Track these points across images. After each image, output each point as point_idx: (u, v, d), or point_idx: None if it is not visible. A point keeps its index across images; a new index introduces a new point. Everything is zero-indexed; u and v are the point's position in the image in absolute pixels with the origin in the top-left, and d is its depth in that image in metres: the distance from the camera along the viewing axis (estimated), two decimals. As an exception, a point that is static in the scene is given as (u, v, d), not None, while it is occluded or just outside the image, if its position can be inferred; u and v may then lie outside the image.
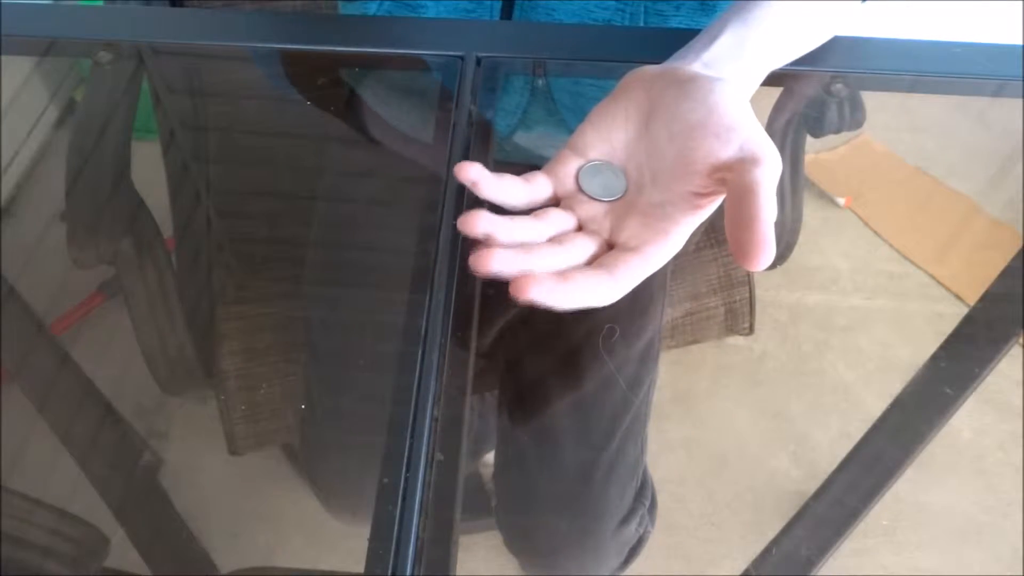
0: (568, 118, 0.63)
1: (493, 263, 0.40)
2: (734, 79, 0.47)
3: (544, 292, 0.40)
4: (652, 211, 0.44)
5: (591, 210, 0.46)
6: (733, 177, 0.41)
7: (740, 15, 0.49)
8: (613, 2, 0.61)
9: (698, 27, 0.54)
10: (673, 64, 0.48)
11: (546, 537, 0.61)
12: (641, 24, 0.61)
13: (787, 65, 0.54)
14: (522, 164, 0.65)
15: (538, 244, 0.43)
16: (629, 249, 0.43)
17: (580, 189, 0.46)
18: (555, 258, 0.43)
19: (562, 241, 0.44)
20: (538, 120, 0.63)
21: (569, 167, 0.47)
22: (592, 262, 0.43)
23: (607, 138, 0.47)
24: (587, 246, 0.44)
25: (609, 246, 0.44)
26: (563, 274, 0.41)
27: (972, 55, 0.59)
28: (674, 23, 0.61)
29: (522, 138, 0.65)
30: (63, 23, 0.63)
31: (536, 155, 0.66)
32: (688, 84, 0.45)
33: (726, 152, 0.42)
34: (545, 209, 0.46)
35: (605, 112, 0.47)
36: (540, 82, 0.62)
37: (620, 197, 0.46)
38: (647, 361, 0.61)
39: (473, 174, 0.44)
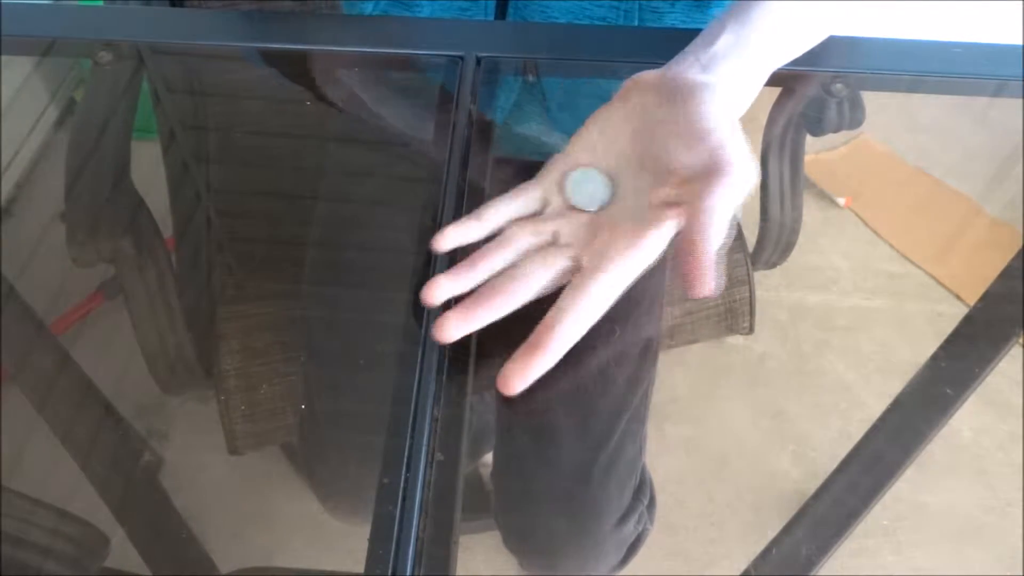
0: (558, 115, 0.63)
1: (449, 330, 0.42)
2: (732, 80, 0.47)
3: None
4: (626, 222, 0.44)
5: (573, 221, 0.46)
6: (693, 193, 0.40)
7: (739, 15, 0.49)
8: (608, 0, 0.61)
9: (693, 24, 0.54)
10: (672, 69, 0.48)
11: (544, 536, 0.61)
12: (636, 21, 0.61)
13: (787, 65, 0.54)
14: (515, 159, 0.65)
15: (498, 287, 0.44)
16: (590, 269, 0.43)
17: (565, 197, 0.46)
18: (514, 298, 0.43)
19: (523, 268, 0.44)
20: (529, 116, 0.63)
21: (558, 174, 0.47)
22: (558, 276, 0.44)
23: (601, 145, 0.47)
24: (549, 266, 0.44)
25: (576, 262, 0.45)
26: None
27: (972, 55, 0.59)
28: (669, 20, 0.61)
29: (513, 133, 0.65)
30: (63, 23, 0.63)
31: (529, 149, 0.66)
32: (676, 91, 0.45)
33: (692, 160, 0.42)
34: (511, 233, 0.46)
35: (601, 119, 0.47)
36: (531, 78, 0.62)
37: (605, 206, 0.46)
38: (646, 360, 0.61)
39: (450, 243, 0.45)
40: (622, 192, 0.46)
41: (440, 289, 0.44)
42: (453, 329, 0.43)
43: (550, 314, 0.43)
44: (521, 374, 0.41)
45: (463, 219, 0.46)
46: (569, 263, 0.44)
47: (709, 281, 0.38)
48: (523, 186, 0.47)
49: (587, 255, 0.44)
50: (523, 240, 0.45)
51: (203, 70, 0.71)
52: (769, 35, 0.49)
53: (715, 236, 0.39)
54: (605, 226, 0.44)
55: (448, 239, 0.45)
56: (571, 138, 0.48)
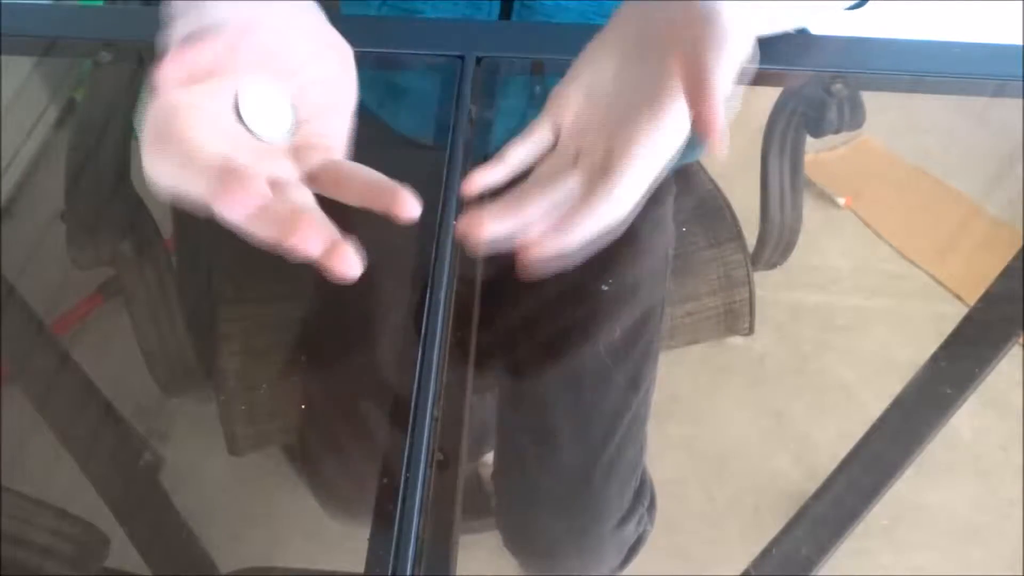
0: None
1: (485, 229, 0.41)
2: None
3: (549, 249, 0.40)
4: (641, 107, 0.43)
5: (588, 131, 0.45)
6: (692, 56, 0.40)
7: None
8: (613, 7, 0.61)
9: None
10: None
11: (545, 537, 0.61)
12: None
13: (786, 65, 0.54)
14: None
15: (527, 193, 0.43)
16: (603, 169, 0.42)
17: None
18: (544, 201, 0.42)
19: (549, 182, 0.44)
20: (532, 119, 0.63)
21: (563, 99, 0.47)
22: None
23: (599, 68, 0.46)
24: (573, 179, 0.43)
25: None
26: (557, 225, 0.41)
27: (972, 55, 0.59)
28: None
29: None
30: (63, 23, 0.63)
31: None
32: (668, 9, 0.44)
33: (688, 35, 0.41)
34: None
35: (598, 43, 0.47)
36: (538, 88, 0.62)
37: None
38: (646, 361, 0.61)
39: (477, 186, 0.45)
40: (630, 84, 0.45)
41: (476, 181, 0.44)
42: (488, 227, 0.41)
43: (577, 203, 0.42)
44: (541, 248, 0.41)
45: (488, 163, 0.46)
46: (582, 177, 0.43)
47: (719, 121, 0.38)
48: (534, 122, 0.47)
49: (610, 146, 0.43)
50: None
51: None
52: None
53: (720, 80, 0.38)
54: (605, 132, 0.44)
55: (475, 182, 0.45)
56: (570, 67, 0.47)
